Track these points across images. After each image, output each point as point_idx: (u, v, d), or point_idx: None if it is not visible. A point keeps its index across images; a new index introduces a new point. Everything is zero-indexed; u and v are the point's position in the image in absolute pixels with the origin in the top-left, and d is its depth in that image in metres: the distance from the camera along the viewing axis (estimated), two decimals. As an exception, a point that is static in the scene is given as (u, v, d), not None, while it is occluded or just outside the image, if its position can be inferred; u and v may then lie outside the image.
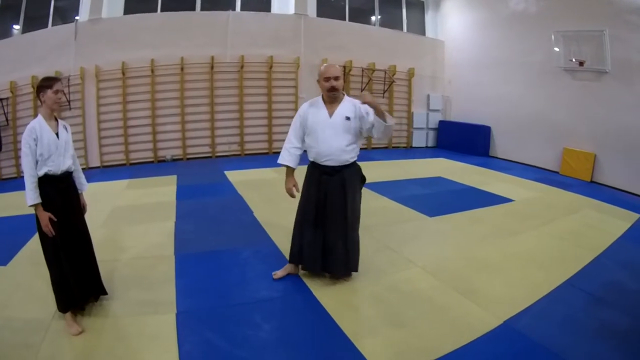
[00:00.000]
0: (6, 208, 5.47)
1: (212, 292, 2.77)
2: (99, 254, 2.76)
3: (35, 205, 2.39)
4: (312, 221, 2.81)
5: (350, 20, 8.54)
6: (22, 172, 2.44)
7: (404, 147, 8.98)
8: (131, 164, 7.83)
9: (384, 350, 2.09)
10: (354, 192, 2.79)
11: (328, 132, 2.71)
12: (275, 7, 8.34)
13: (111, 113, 7.73)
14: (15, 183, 7.26)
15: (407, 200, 4.54)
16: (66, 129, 2.64)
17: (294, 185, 2.90)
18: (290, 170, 2.88)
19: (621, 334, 2.29)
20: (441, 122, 9.01)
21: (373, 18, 8.74)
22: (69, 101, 7.53)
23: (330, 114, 2.74)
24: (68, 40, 7.61)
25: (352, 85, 8.47)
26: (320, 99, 2.84)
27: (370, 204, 4.42)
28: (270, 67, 8.05)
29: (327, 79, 2.69)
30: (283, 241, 3.38)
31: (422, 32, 8.92)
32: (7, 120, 7.44)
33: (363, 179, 2.86)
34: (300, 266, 3.00)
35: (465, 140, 8.40)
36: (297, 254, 2.92)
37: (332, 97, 2.75)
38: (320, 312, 2.46)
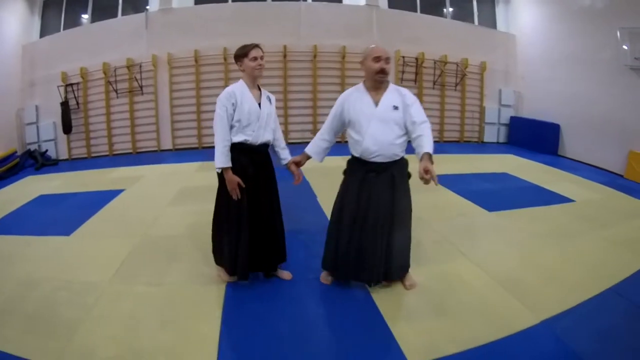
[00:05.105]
0: (76, 185, 5.54)
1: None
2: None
3: (223, 169, 2.31)
4: (350, 224, 2.42)
5: (421, 12, 8.37)
6: (215, 133, 2.34)
7: (475, 141, 8.57)
8: (203, 148, 7.61)
9: (417, 337, 2.10)
10: (403, 190, 2.42)
11: (375, 124, 2.30)
12: (346, -2, 8.22)
13: (184, 98, 7.53)
14: (85, 162, 7.27)
15: (470, 195, 4.54)
16: (270, 100, 2.50)
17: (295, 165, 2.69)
18: (305, 156, 2.67)
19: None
20: (512, 118, 8.62)
21: (444, 10, 8.56)
22: (141, 86, 7.40)
23: (376, 103, 2.33)
24: (139, 29, 7.54)
25: (425, 77, 8.19)
26: (362, 85, 2.43)
27: (434, 197, 4.35)
28: (344, 57, 7.81)
29: (377, 59, 2.28)
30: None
31: (494, 25, 8.70)
32: (77, 103, 7.40)
33: (408, 175, 2.47)
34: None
35: (534, 137, 7.99)
36: (332, 261, 2.57)
37: (377, 83, 2.34)
38: (364, 296, 2.51)
